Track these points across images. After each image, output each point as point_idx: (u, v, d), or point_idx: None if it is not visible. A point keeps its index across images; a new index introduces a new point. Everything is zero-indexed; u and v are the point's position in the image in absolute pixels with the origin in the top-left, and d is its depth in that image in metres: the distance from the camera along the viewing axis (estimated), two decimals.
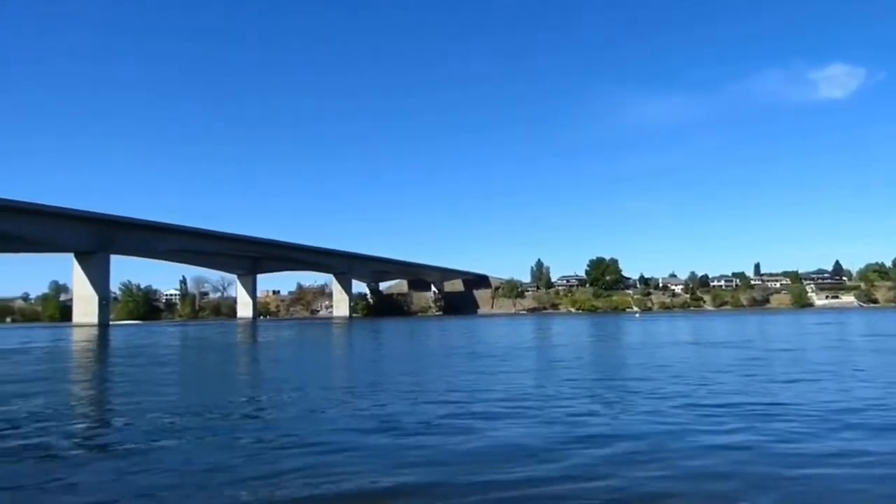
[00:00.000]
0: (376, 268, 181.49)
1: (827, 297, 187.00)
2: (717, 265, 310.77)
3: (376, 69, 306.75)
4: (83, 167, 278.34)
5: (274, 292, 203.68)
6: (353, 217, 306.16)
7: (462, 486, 8.35)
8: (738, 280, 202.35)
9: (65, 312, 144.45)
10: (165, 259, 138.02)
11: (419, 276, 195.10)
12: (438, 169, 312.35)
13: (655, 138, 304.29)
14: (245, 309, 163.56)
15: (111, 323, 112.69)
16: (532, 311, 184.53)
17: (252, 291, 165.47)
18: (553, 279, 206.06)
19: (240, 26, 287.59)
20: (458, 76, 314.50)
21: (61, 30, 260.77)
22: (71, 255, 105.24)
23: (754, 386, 18.39)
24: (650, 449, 10.37)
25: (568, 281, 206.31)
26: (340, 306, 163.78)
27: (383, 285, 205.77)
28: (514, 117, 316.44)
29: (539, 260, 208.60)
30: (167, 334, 74.22)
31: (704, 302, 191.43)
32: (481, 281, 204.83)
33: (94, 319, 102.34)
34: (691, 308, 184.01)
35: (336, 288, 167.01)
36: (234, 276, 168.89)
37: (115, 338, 64.45)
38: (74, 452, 10.88)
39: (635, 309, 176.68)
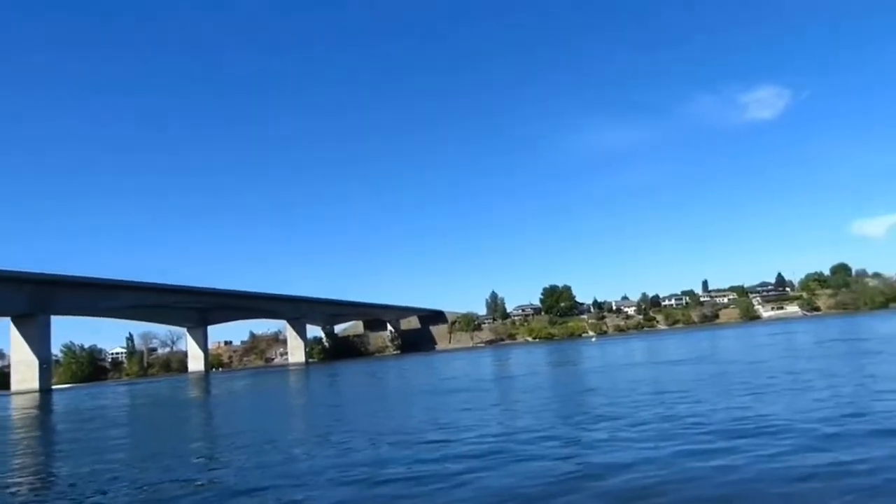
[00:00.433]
0: (330, 311, 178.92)
1: (773, 308, 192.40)
2: (667, 284, 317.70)
3: (320, 113, 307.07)
4: (12, 229, 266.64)
5: (226, 343, 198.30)
6: (303, 261, 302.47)
7: None
8: (687, 298, 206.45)
9: (1, 380, 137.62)
10: (110, 316, 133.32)
11: (374, 316, 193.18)
12: (390, 209, 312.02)
13: (603, 163, 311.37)
14: (196, 362, 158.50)
15: (54, 387, 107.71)
16: (490, 343, 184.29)
17: (203, 344, 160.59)
18: (509, 309, 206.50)
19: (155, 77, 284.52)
20: (405, 113, 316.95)
21: None
22: (8, 320, 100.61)
23: (736, 400, 18.43)
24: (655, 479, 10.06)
25: (523, 310, 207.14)
26: (296, 353, 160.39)
27: (338, 328, 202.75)
28: (461, 151, 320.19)
29: (493, 292, 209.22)
30: (116, 395, 71.31)
31: (657, 322, 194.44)
32: (437, 316, 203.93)
33: (35, 385, 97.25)
34: (645, 329, 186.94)
35: (290, 334, 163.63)
36: (183, 330, 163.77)
37: (61, 403, 61.47)
38: None
39: (591, 333, 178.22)
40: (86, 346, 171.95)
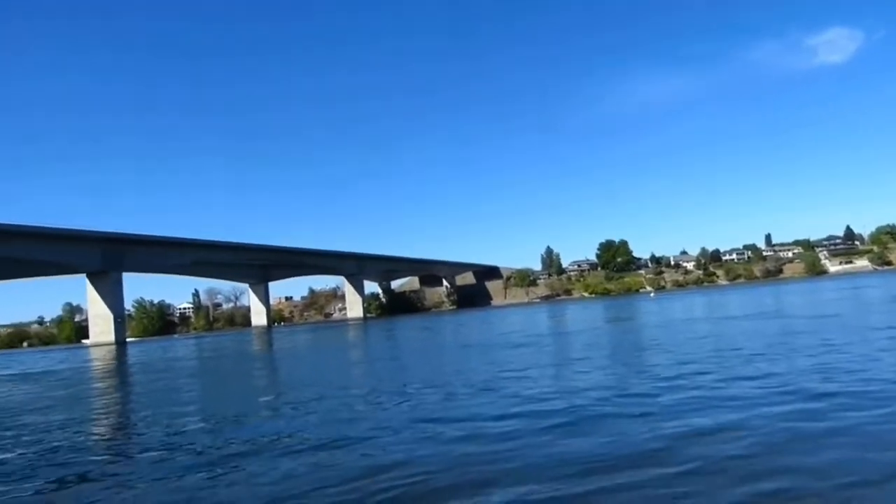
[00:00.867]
0: (387, 267, 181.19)
1: (840, 262, 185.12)
2: (727, 239, 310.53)
3: (382, 69, 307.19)
4: (86, 187, 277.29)
5: (287, 298, 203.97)
6: (361, 218, 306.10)
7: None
8: (749, 252, 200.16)
9: (80, 333, 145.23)
10: (176, 273, 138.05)
11: (430, 271, 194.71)
12: (443, 164, 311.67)
13: (659, 116, 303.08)
14: (259, 317, 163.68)
15: (127, 340, 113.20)
16: (545, 298, 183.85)
17: (265, 299, 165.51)
18: (564, 265, 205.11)
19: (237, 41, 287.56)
20: (460, 71, 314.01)
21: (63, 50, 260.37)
22: (83, 276, 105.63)
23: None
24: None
25: (579, 266, 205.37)
26: (354, 308, 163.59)
27: (395, 283, 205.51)
28: (517, 107, 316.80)
29: (549, 247, 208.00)
30: (186, 347, 74.42)
31: (718, 277, 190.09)
32: (492, 272, 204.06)
33: (111, 338, 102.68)
34: (705, 284, 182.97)
35: (348, 290, 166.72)
36: (245, 286, 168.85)
37: (136, 355, 64.58)
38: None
39: (649, 289, 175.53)
40: (155, 301, 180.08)
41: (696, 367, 17.71)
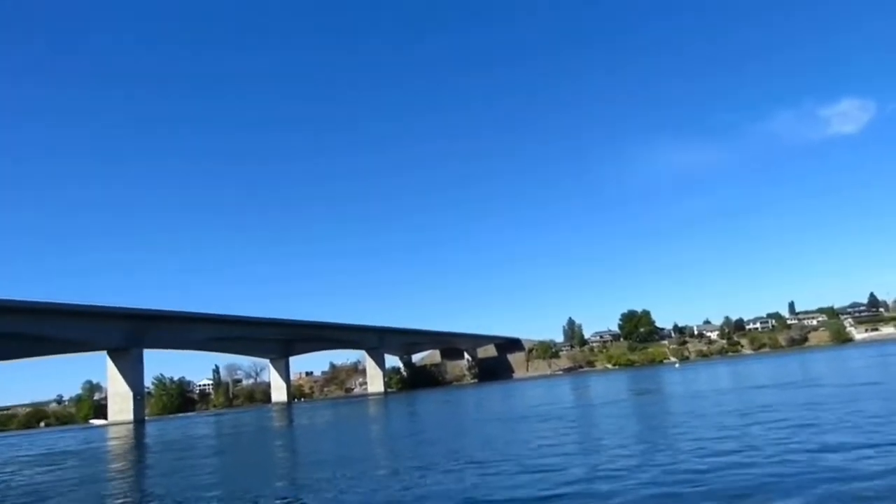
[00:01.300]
0: (408, 340, 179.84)
1: (866, 330, 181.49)
2: (751, 307, 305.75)
3: (405, 144, 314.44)
4: (104, 265, 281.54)
5: (307, 373, 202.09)
6: (382, 292, 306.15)
7: None
8: (773, 321, 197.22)
9: (99, 411, 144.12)
10: (197, 349, 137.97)
11: (451, 344, 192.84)
12: (464, 237, 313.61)
13: (681, 186, 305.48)
14: (279, 393, 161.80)
15: (147, 418, 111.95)
16: (568, 370, 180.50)
17: (285, 375, 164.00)
18: (586, 336, 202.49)
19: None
20: (484, 142, 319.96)
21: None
22: (104, 353, 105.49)
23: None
24: None
25: (601, 337, 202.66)
26: (375, 382, 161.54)
27: (416, 357, 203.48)
28: (537, 178, 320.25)
29: (570, 318, 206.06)
30: (206, 425, 73.27)
31: (742, 346, 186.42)
32: (514, 344, 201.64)
33: (130, 416, 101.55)
34: (729, 354, 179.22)
35: (369, 363, 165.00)
36: (266, 361, 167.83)
37: (155, 434, 63.60)
38: None
39: (673, 359, 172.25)
40: (175, 378, 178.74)
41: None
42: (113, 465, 32.08)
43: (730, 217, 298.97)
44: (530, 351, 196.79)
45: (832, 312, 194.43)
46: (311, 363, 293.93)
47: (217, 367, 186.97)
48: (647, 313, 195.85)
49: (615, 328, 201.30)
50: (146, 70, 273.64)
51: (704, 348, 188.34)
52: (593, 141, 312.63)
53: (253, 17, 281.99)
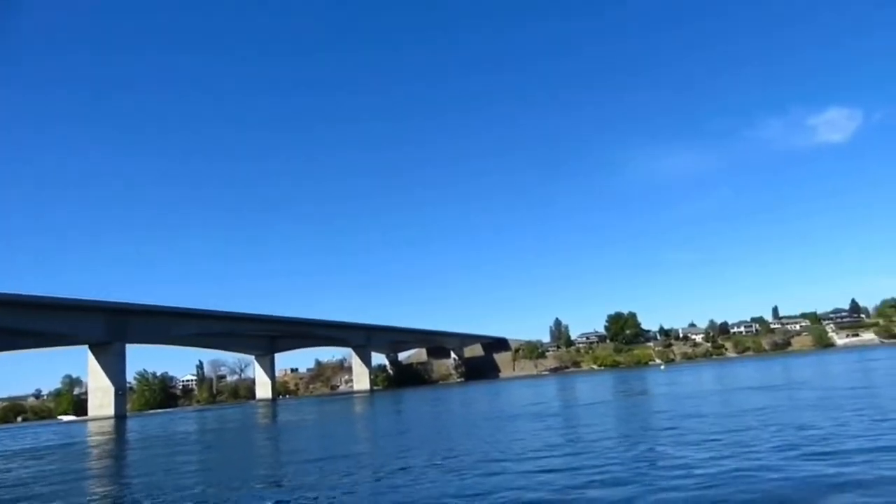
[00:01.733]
0: (395, 338, 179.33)
1: (847, 335, 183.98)
2: (735, 311, 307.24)
3: (394, 144, 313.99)
4: (90, 257, 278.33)
5: (292, 370, 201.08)
6: (370, 289, 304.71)
7: None
8: (757, 325, 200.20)
9: (78, 407, 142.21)
10: (181, 344, 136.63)
11: (438, 343, 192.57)
12: (452, 235, 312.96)
13: (668, 190, 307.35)
14: (264, 389, 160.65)
15: (128, 414, 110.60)
16: (554, 370, 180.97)
17: (270, 371, 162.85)
18: (573, 337, 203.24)
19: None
20: (474, 141, 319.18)
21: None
22: (85, 348, 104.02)
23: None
24: None
25: (588, 338, 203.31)
26: (361, 380, 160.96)
27: (402, 355, 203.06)
28: (526, 178, 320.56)
29: (557, 319, 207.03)
30: (188, 421, 72.39)
31: (726, 349, 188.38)
32: (501, 344, 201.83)
33: (111, 412, 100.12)
34: (714, 356, 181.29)
35: (355, 361, 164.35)
36: (251, 357, 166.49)
37: (137, 429, 62.67)
38: None
39: (659, 361, 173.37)
40: (158, 373, 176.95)
41: None
42: (93, 463, 31.40)
43: (717, 222, 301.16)
44: (517, 351, 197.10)
45: (815, 318, 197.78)
46: (296, 360, 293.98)
47: (201, 363, 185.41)
48: (633, 315, 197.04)
49: (601, 329, 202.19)
50: (133, 70, 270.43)
51: (689, 351, 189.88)
52: (582, 145, 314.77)
53: (246, 18, 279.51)
